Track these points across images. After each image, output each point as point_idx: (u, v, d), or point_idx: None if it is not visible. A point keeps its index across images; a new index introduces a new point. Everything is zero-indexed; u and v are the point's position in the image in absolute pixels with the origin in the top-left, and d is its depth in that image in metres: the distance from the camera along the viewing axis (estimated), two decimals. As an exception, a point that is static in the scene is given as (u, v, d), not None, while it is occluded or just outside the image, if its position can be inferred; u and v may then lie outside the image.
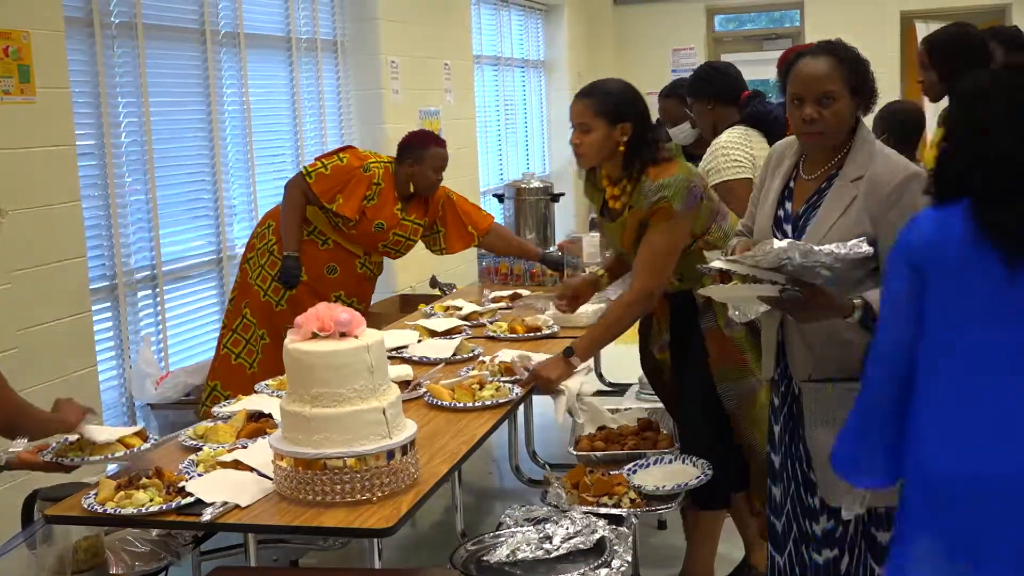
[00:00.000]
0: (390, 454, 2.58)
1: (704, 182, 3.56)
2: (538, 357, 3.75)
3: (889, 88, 9.03)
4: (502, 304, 4.79)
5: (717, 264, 2.68)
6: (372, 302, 5.35)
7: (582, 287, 3.92)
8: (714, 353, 3.52)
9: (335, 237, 4.69)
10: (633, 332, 3.77)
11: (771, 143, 3.63)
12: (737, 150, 4.07)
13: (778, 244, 2.54)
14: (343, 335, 2.60)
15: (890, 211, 2.66)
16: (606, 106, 3.43)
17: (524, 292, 5.04)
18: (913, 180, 2.67)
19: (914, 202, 2.60)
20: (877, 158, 2.74)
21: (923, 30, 9.53)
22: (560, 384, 3.55)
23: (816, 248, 2.51)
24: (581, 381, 3.65)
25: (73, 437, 2.83)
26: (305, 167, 4.67)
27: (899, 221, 2.49)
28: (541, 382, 3.54)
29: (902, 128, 4.73)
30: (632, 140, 3.43)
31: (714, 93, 4.39)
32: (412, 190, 4.73)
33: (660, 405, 3.99)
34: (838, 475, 2.49)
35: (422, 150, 4.67)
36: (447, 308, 4.67)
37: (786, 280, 2.57)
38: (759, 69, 9.13)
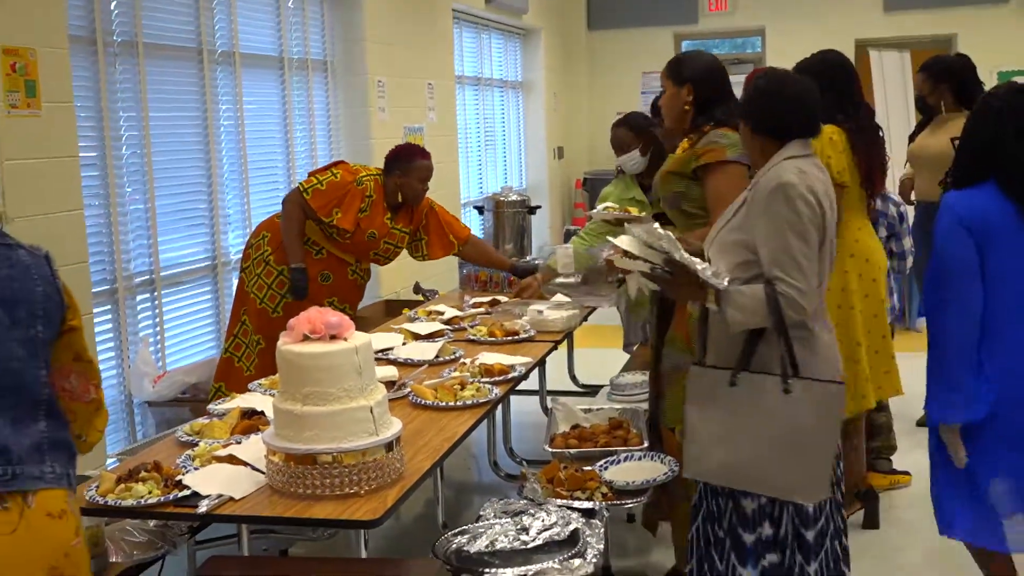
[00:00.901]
0: (377, 450, 2.58)
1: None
2: (517, 359, 3.75)
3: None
4: (482, 309, 4.78)
5: (616, 241, 2.80)
6: (359, 307, 5.34)
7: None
8: (675, 319, 3.48)
9: (329, 247, 4.68)
10: (604, 336, 3.76)
11: None
12: None
13: (657, 228, 2.71)
14: (333, 337, 2.59)
15: (759, 218, 2.71)
16: (673, 69, 3.52)
17: (502, 298, 5.04)
18: (778, 191, 2.69)
19: (777, 210, 2.66)
20: (774, 169, 2.76)
21: (876, 58, 9.60)
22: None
23: (660, 241, 2.68)
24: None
25: None
26: (301, 184, 4.65)
27: (765, 228, 2.67)
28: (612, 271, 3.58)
29: None
30: (697, 100, 3.44)
31: None
32: (400, 200, 4.73)
33: (630, 406, 4.00)
34: (936, 420, 2.99)
35: (409, 162, 4.68)
36: (430, 313, 4.67)
37: (663, 261, 2.72)
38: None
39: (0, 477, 1.74)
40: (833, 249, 2.82)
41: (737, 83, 3.21)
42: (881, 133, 4.15)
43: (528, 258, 5.56)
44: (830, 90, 3.73)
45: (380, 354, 3.82)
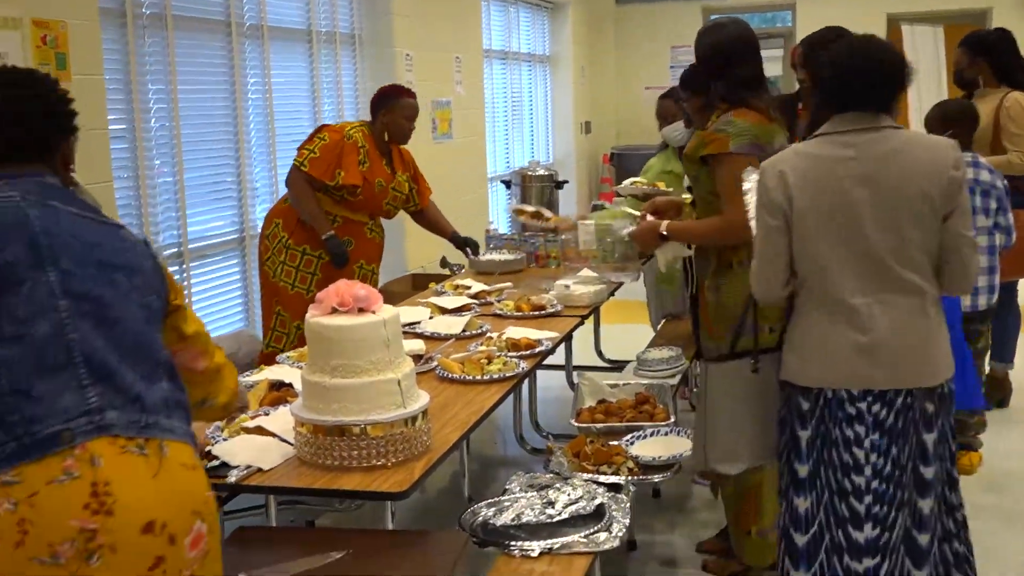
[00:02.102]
0: (404, 422, 2.59)
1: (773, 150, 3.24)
2: (544, 334, 3.75)
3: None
4: (508, 284, 4.78)
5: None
6: (386, 281, 5.34)
7: (666, 205, 3.67)
8: (700, 300, 3.42)
9: (342, 212, 4.71)
10: (630, 311, 3.76)
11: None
12: None
13: None
14: (361, 310, 2.59)
15: None
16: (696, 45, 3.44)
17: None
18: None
19: None
20: None
21: (908, 32, 9.49)
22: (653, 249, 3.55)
23: None
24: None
25: None
26: (295, 159, 4.67)
27: None
28: (637, 245, 3.68)
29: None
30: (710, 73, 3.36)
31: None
32: (387, 139, 4.79)
33: (657, 381, 3.99)
34: None
35: (395, 100, 4.77)
36: (457, 287, 4.67)
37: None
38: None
39: (136, 423, 1.79)
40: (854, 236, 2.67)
41: (769, 58, 3.17)
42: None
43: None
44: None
45: (407, 328, 3.83)
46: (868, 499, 2.69)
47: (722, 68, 3.31)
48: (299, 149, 4.72)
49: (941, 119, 4.55)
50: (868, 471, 2.68)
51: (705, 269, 3.36)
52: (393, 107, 4.75)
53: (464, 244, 5.16)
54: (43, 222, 1.84)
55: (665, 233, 3.42)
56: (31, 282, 1.78)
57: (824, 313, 2.70)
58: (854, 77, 2.66)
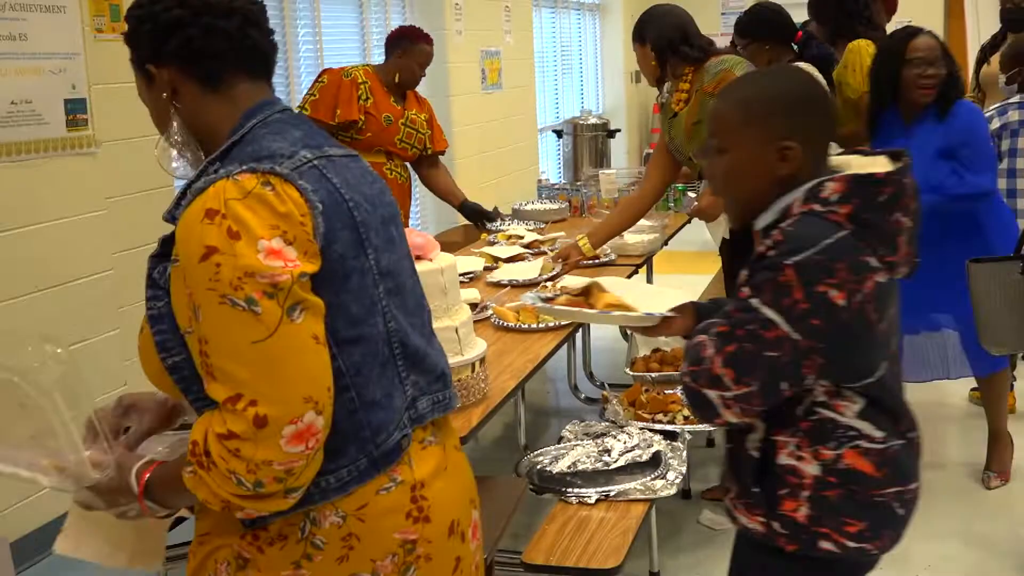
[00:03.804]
0: (463, 369, 2.60)
1: None
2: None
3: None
4: (561, 232, 4.77)
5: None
6: (438, 232, 5.33)
7: (570, 251, 3.93)
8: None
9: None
10: (686, 262, 3.75)
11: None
12: None
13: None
14: (418, 258, 2.60)
15: None
16: (634, 33, 3.83)
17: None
18: None
19: None
20: None
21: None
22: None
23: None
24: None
25: None
26: (297, 106, 4.65)
27: None
28: (700, 215, 3.75)
29: None
30: (663, 49, 3.69)
31: (770, 33, 4.30)
32: (397, 81, 4.71)
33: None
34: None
35: (412, 43, 4.69)
36: (509, 237, 4.66)
37: None
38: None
39: (440, 403, 1.60)
40: None
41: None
42: None
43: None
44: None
45: (463, 277, 3.84)
46: None
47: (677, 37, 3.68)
48: (303, 98, 4.71)
49: (1013, 57, 4.49)
50: None
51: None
52: (409, 50, 4.68)
53: (476, 215, 5.01)
54: (343, 187, 1.48)
55: None
56: (358, 274, 1.47)
57: None
58: None
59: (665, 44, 3.68)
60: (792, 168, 1.69)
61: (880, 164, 1.71)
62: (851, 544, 1.69)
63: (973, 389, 4.70)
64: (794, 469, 1.70)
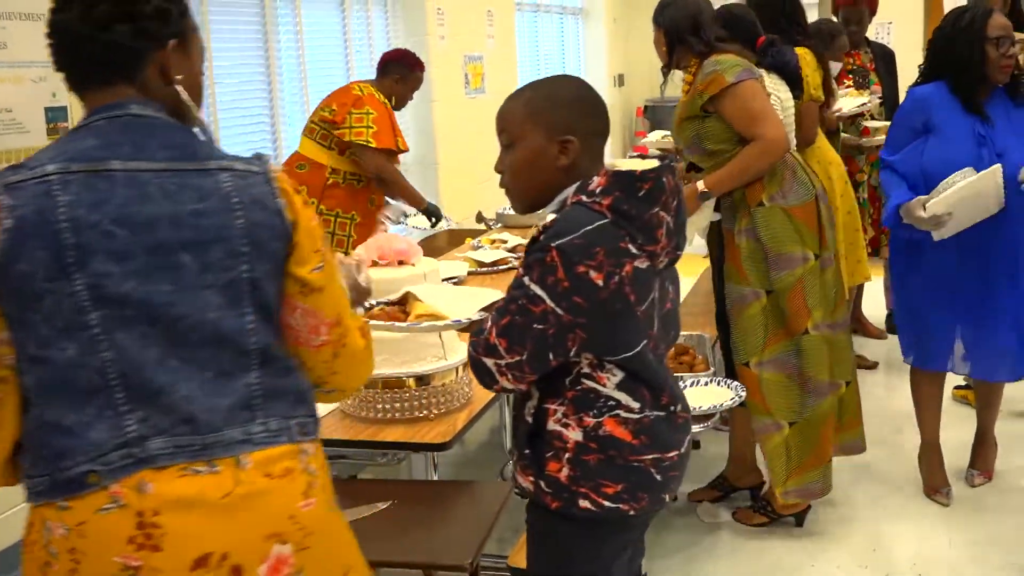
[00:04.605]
0: (446, 374, 2.60)
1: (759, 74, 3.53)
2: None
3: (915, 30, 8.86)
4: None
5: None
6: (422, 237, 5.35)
7: None
8: (727, 253, 3.50)
9: (351, 168, 4.81)
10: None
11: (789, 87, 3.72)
12: None
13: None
14: (401, 263, 2.61)
15: None
16: (655, 16, 3.81)
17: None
18: None
19: None
20: None
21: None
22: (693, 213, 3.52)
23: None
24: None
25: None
26: (354, 141, 4.64)
27: None
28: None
29: None
30: (672, 35, 3.63)
31: (735, 37, 4.30)
32: (392, 103, 4.85)
33: (695, 332, 3.99)
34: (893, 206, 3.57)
35: (410, 71, 4.85)
36: (493, 241, 4.67)
37: None
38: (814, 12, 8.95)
39: (188, 448, 1.51)
40: None
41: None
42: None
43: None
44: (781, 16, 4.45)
45: (446, 282, 3.83)
46: None
47: (689, 27, 3.59)
48: (340, 128, 4.66)
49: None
50: None
51: (732, 219, 3.43)
52: (408, 78, 4.85)
53: (438, 216, 5.11)
54: (77, 210, 1.48)
55: (704, 190, 3.40)
56: (52, 296, 1.47)
57: None
58: None
59: (674, 31, 3.60)
60: (571, 159, 1.88)
61: (644, 165, 1.88)
62: (608, 504, 1.88)
63: (956, 387, 4.72)
64: (560, 435, 1.89)
